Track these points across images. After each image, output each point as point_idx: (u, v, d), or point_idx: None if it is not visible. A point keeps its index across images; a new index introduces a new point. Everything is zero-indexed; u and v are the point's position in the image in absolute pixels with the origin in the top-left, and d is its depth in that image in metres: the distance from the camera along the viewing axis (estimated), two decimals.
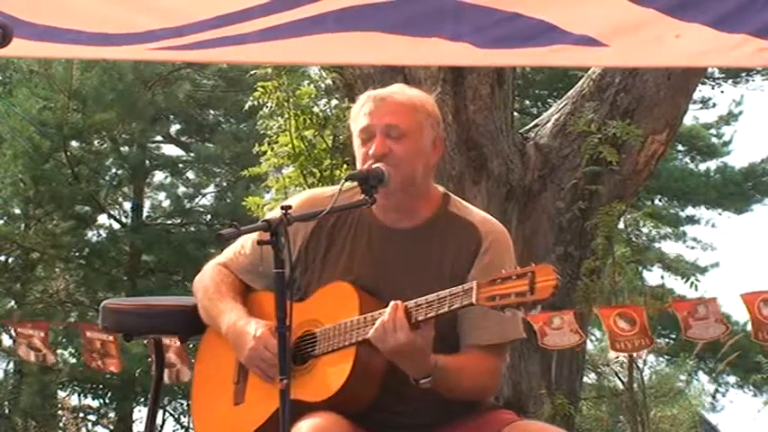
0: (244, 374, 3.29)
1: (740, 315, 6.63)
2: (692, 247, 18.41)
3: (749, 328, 6.61)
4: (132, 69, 13.59)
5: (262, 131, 7.85)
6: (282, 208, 3.08)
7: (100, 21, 4.15)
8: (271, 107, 7.63)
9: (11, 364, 14.83)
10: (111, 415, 15.24)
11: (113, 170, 15.42)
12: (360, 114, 3.31)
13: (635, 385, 7.60)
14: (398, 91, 3.35)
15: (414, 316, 3.02)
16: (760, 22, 4.04)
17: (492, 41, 4.09)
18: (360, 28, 4.12)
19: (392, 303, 3.04)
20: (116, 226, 15.41)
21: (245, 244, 3.38)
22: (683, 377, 15.87)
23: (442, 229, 3.28)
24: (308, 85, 7.93)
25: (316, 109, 7.78)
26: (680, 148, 17.46)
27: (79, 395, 14.65)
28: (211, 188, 16.42)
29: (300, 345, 3.21)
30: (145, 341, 6.98)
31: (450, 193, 3.38)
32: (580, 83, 7.55)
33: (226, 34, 4.11)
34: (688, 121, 16.41)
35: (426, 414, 3.19)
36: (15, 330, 7.01)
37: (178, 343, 6.67)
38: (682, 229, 18.35)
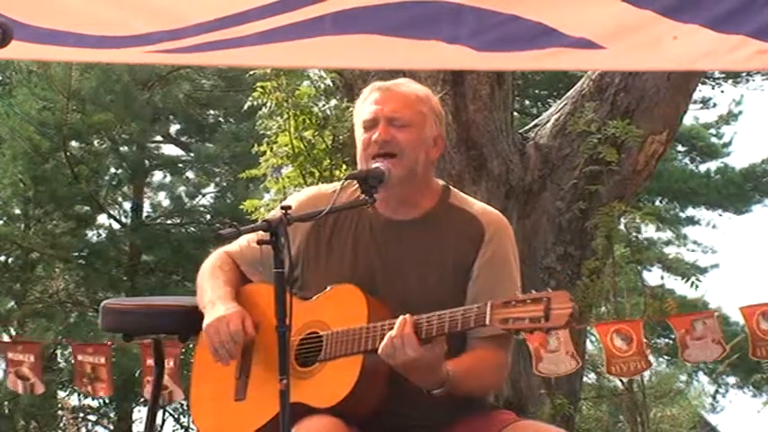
0: (246, 369, 3.28)
1: (740, 317, 6.60)
2: (693, 250, 18.41)
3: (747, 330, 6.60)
4: (128, 70, 13.57)
5: (261, 131, 7.84)
6: (282, 208, 3.09)
7: (97, 23, 4.15)
8: (270, 107, 7.61)
9: None
10: (112, 415, 15.21)
11: (113, 170, 15.39)
12: (364, 104, 3.34)
13: (635, 385, 7.59)
14: (404, 83, 3.40)
15: (423, 331, 3.02)
16: (758, 23, 4.03)
17: (490, 44, 4.09)
18: (358, 30, 4.12)
19: (401, 318, 3.03)
20: (116, 226, 15.38)
21: (250, 240, 3.39)
22: (683, 377, 15.88)
23: (443, 220, 3.30)
24: (308, 85, 7.92)
25: (315, 109, 7.76)
26: (680, 148, 17.43)
27: (79, 395, 14.62)
28: (211, 188, 16.38)
29: (304, 346, 3.20)
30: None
31: (450, 186, 3.42)
32: (580, 83, 7.55)
33: (224, 37, 4.11)
34: (688, 121, 16.40)
35: (427, 415, 3.19)
36: (6, 357, 6.58)
37: (171, 364, 6.61)
38: (683, 231, 18.33)
